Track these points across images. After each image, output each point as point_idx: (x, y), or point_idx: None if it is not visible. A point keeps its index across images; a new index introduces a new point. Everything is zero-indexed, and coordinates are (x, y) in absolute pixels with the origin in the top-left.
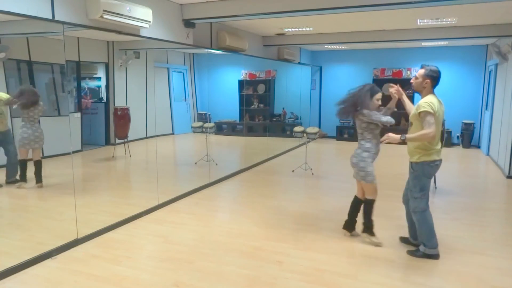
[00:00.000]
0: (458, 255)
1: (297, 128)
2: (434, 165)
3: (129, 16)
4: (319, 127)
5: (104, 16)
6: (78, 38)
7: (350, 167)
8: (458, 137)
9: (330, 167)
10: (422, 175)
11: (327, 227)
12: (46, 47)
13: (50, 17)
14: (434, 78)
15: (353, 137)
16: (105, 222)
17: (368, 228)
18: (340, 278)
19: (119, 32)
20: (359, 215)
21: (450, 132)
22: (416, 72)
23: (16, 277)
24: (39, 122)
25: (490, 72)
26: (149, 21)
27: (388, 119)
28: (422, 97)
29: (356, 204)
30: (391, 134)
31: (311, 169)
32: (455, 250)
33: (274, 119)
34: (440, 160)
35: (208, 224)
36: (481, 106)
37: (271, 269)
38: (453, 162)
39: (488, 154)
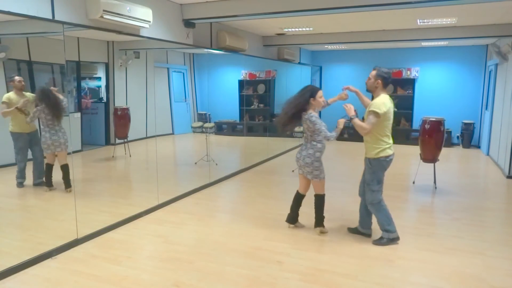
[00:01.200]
0: (458, 255)
1: (297, 128)
2: (389, 160)
3: (129, 16)
4: None
5: (104, 16)
6: (78, 38)
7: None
8: (458, 137)
9: (330, 167)
10: (378, 170)
11: (327, 227)
12: (46, 47)
13: (50, 17)
14: (384, 78)
15: (353, 137)
16: (105, 222)
17: (321, 221)
18: (340, 278)
19: (119, 32)
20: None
21: (450, 132)
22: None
23: (16, 277)
24: (58, 124)
25: (490, 72)
26: (149, 21)
27: (331, 135)
28: (374, 96)
29: (299, 198)
30: (351, 107)
31: None
32: (455, 250)
33: (274, 119)
34: (393, 154)
35: (208, 224)
36: (481, 106)
37: (271, 269)
38: (453, 162)
39: (488, 154)
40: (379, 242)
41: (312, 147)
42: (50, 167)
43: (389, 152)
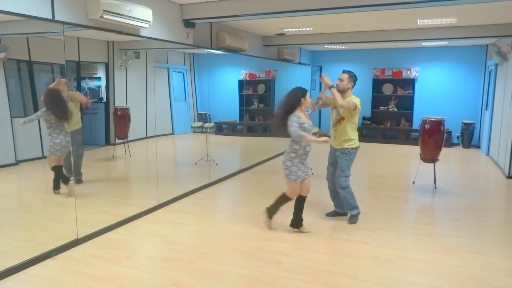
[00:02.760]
0: (458, 255)
1: None
2: (358, 150)
3: (129, 16)
4: (319, 127)
5: (104, 16)
6: (78, 38)
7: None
8: (458, 137)
9: None
10: (353, 158)
11: (327, 227)
12: (46, 47)
13: (50, 17)
14: (355, 81)
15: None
16: (105, 222)
17: (270, 211)
18: (340, 278)
19: (119, 32)
20: (305, 211)
21: (450, 132)
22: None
23: (16, 277)
24: (60, 128)
25: (490, 72)
26: (149, 21)
27: (298, 134)
28: (344, 96)
29: (295, 201)
30: (327, 80)
31: (311, 169)
32: (455, 250)
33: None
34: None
35: (208, 224)
36: (481, 106)
37: (271, 269)
38: (453, 162)
39: (488, 154)
40: (354, 220)
41: (289, 147)
42: (60, 168)
43: (358, 143)
